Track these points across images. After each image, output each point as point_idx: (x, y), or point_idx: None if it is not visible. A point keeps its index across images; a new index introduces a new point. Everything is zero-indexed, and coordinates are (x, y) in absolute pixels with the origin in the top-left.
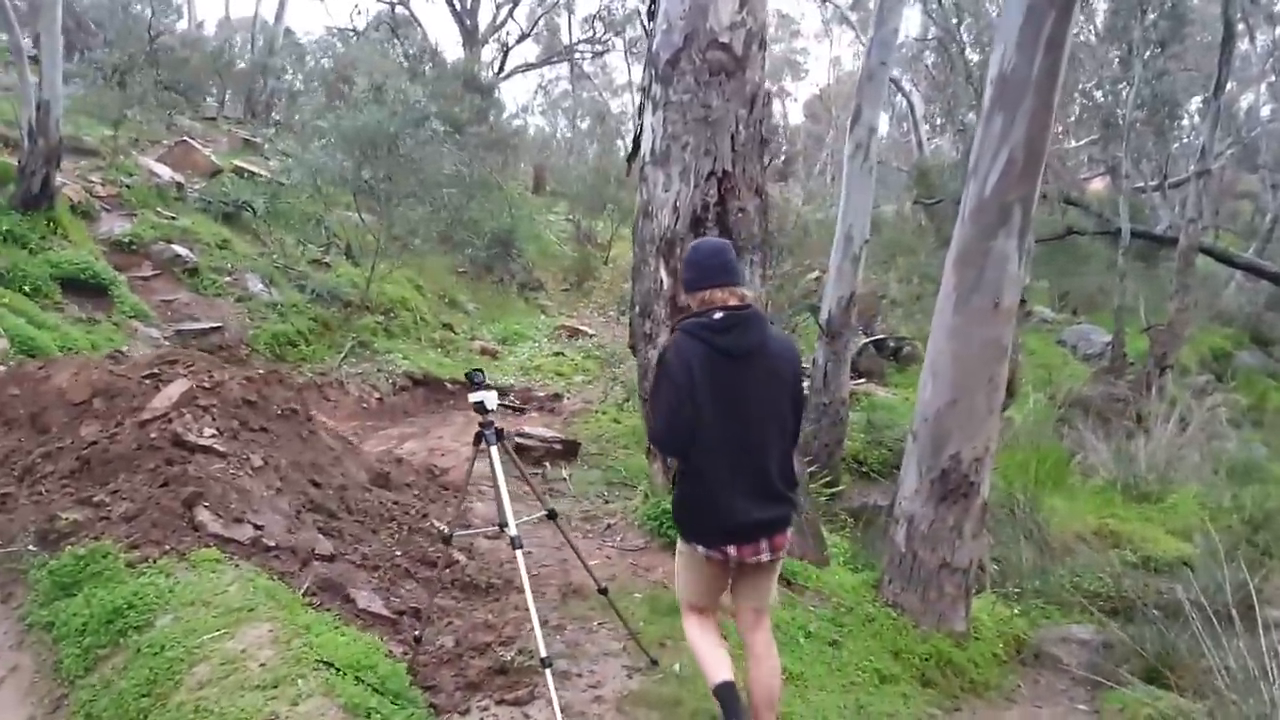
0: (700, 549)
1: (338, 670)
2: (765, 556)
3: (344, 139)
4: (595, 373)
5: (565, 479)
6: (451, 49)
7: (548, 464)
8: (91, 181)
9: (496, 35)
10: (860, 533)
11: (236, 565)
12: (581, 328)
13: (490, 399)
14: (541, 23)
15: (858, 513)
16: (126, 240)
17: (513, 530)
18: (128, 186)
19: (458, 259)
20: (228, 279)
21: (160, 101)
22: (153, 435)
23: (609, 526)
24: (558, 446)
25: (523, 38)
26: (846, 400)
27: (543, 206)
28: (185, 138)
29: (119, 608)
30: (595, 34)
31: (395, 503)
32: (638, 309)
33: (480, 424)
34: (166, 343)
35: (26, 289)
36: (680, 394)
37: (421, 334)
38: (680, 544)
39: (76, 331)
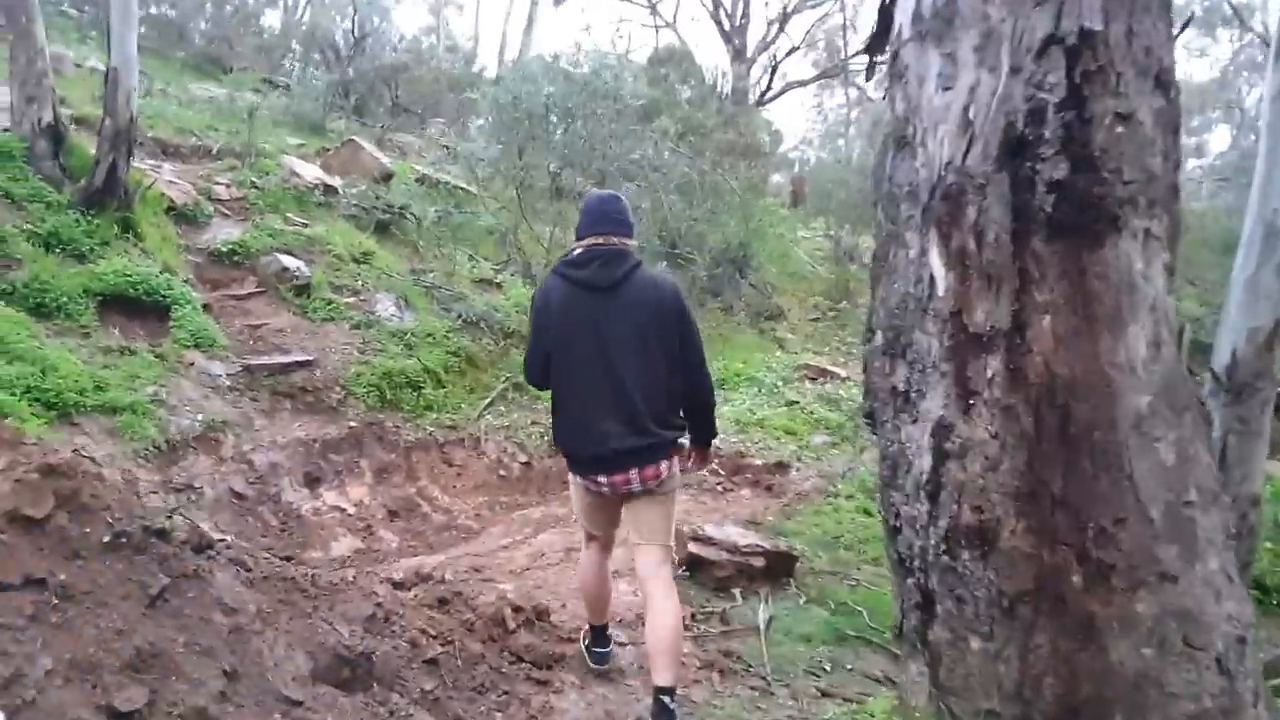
0: (576, 477)
1: None
2: (636, 487)
3: (500, 114)
4: (843, 432)
5: (759, 628)
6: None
7: (738, 590)
8: (217, 183)
9: (766, 50)
10: None
11: None
12: (830, 368)
13: None
14: (821, 41)
15: (1271, 669)
16: (226, 250)
17: None
18: (256, 188)
19: (674, 278)
20: (350, 299)
21: (380, 118)
22: None
23: None
24: (758, 562)
25: (792, 50)
26: (1260, 499)
27: (796, 221)
28: (354, 139)
29: None
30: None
31: None
32: (880, 334)
33: None
34: (228, 381)
35: (41, 306)
36: (537, 328)
37: None
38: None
39: (78, 367)
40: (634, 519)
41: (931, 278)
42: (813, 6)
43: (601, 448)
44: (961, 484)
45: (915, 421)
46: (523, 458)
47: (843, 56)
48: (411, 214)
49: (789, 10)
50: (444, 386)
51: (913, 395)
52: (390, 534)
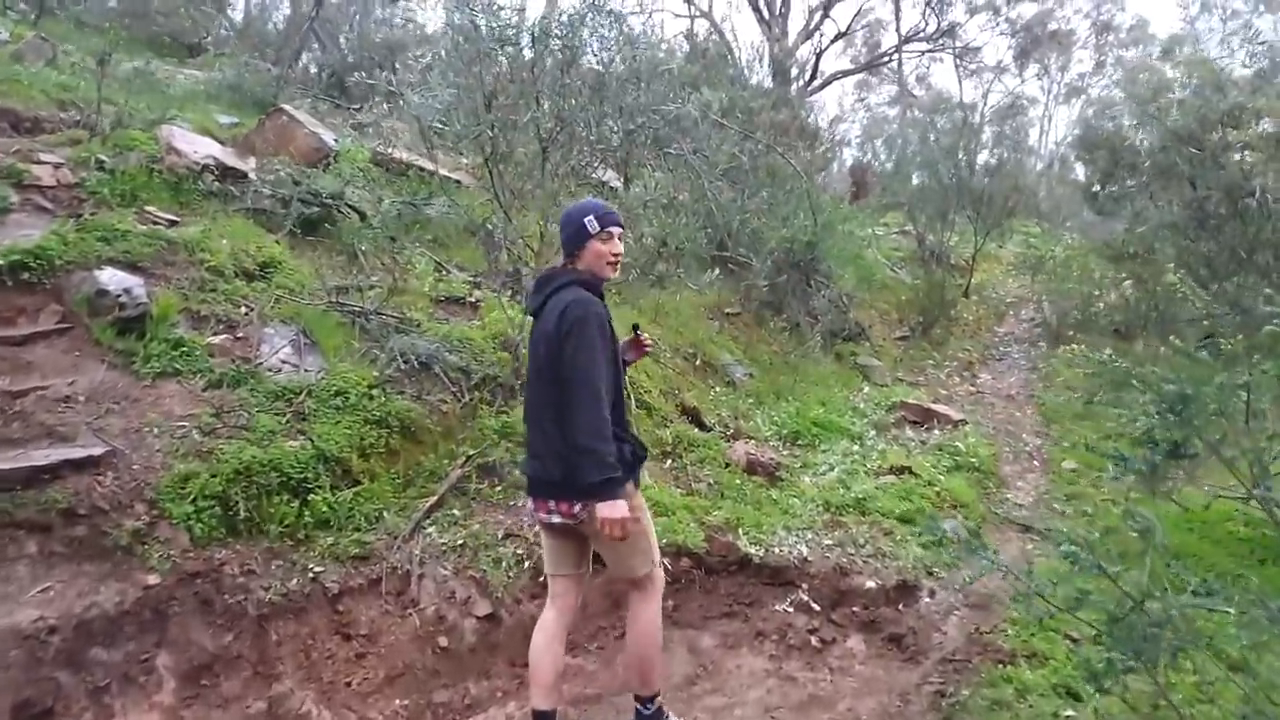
0: None
1: None
2: (554, 519)
3: (458, 47)
4: (981, 511)
5: None
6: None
7: None
8: (41, 161)
9: (809, 39)
10: None
11: None
12: (935, 407)
13: None
14: (860, 33)
15: None
16: (8, 263)
17: None
18: (103, 169)
19: (724, 290)
20: (218, 338)
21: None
22: None
23: None
24: None
25: (839, 37)
26: None
27: (864, 218)
28: (284, 108)
29: None
30: (928, 27)
31: None
32: None
33: None
34: None
35: None
36: None
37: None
38: None
39: None
40: (598, 554)
41: None
42: None
43: (529, 471)
44: None
45: None
46: (483, 606)
47: (886, 48)
48: (350, 206)
49: None
50: (356, 483)
51: None
52: None
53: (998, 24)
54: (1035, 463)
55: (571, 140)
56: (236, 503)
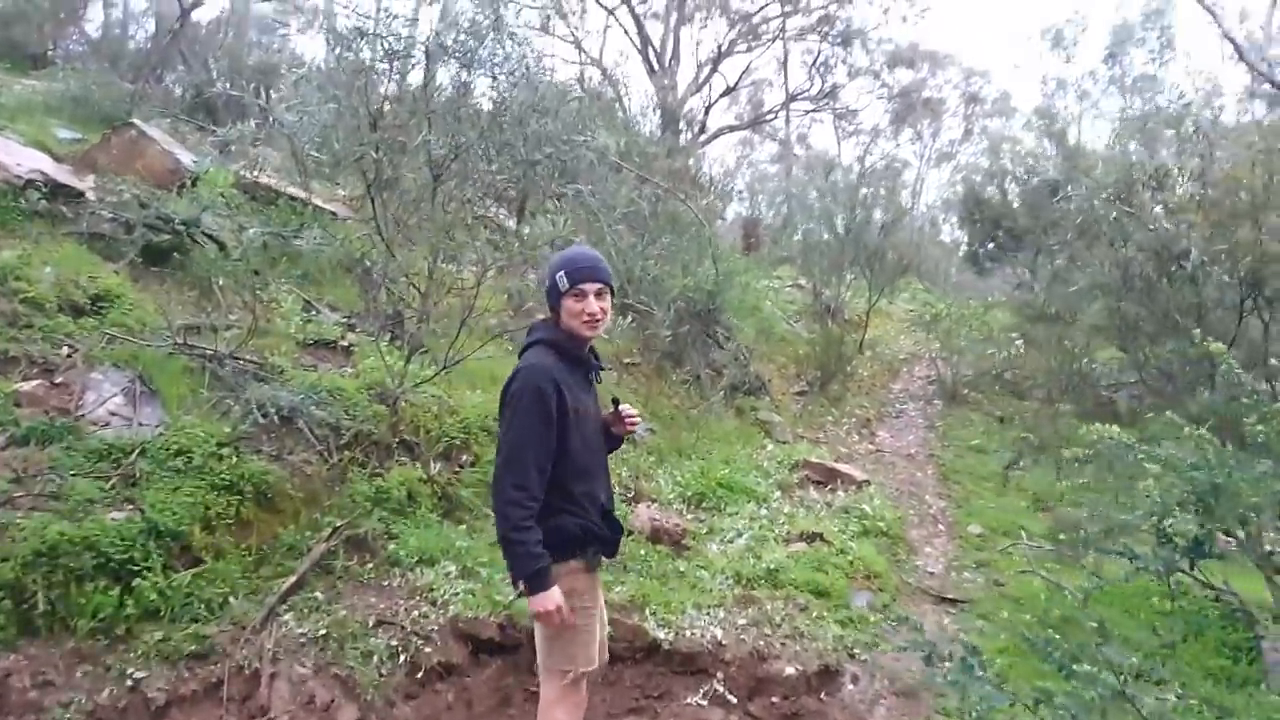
0: None
1: None
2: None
3: (339, 56)
4: (895, 582)
5: None
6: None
7: None
8: None
9: (698, 93)
10: None
11: None
12: (839, 467)
13: None
14: (745, 90)
15: None
16: None
17: None
18: None
19: (623, 339)
20: (31, 385)
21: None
22: None
23: None
24: None
25: (727, 91)
26: None
27: (759, 271)
28: (136, 123)
29: None
30: (812, 88)
31: None
32: None
33: None
34: None
35: None
36: None
37: None
38: None
39: None
40: None
41: None
42: (746, 50)
43: None
44: None
45: None
46: (349, 712)
47: (773, 106)
48: (206, 235)
49: (722, 50)
50: (197, 562)
51: None
52: None
53: (876, 89)
54: (940, 526)
55: (467, 170)
56: (34, 593)
